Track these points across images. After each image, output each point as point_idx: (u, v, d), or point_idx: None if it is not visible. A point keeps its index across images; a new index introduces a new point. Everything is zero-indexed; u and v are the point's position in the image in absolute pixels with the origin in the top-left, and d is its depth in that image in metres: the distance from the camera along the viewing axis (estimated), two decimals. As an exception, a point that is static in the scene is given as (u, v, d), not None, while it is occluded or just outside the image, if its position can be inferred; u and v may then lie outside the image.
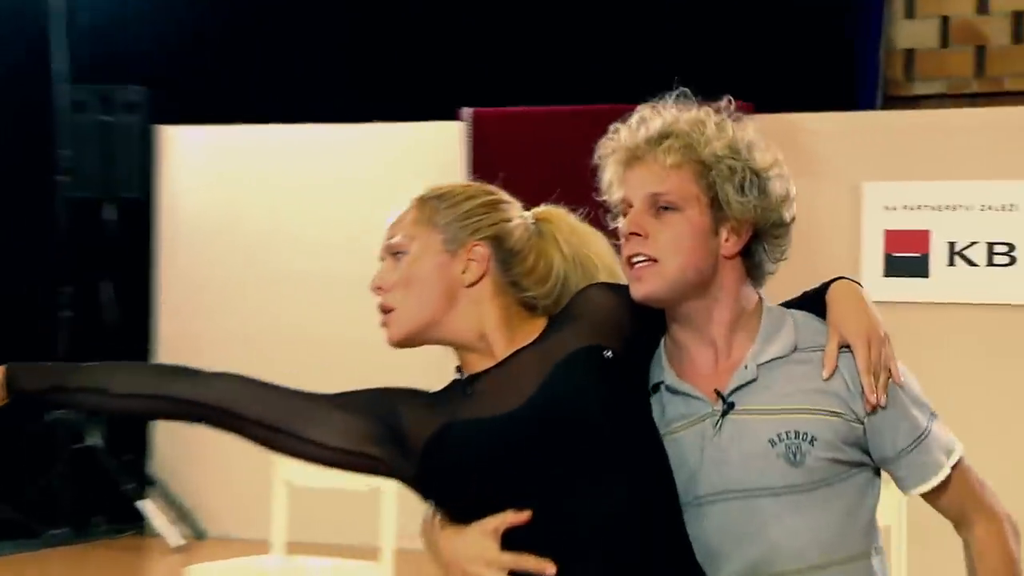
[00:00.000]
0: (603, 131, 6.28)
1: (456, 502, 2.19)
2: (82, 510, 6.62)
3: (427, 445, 2.19)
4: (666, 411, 2.25)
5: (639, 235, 2.19)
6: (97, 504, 6.58)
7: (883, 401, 2.15)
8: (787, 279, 6.47)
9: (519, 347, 2.23)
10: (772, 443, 2.17)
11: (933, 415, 2.24)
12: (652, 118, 2.24)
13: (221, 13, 6.85)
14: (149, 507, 6.43)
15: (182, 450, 6.63)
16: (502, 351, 2.23)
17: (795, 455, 2.16)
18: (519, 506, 2.10)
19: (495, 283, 2.25)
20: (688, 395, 2.23)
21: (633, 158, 2.23)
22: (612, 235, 2.29)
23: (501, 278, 2.25)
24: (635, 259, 2.19)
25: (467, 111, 6.46)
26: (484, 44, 7.08)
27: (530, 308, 2.28)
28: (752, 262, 2.26)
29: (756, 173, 2.21)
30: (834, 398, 2.18)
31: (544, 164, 6.33)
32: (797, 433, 2.17)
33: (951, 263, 5.90)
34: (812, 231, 5.95)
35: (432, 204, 2.27)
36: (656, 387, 2.26)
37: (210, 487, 6.61)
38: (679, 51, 6.65)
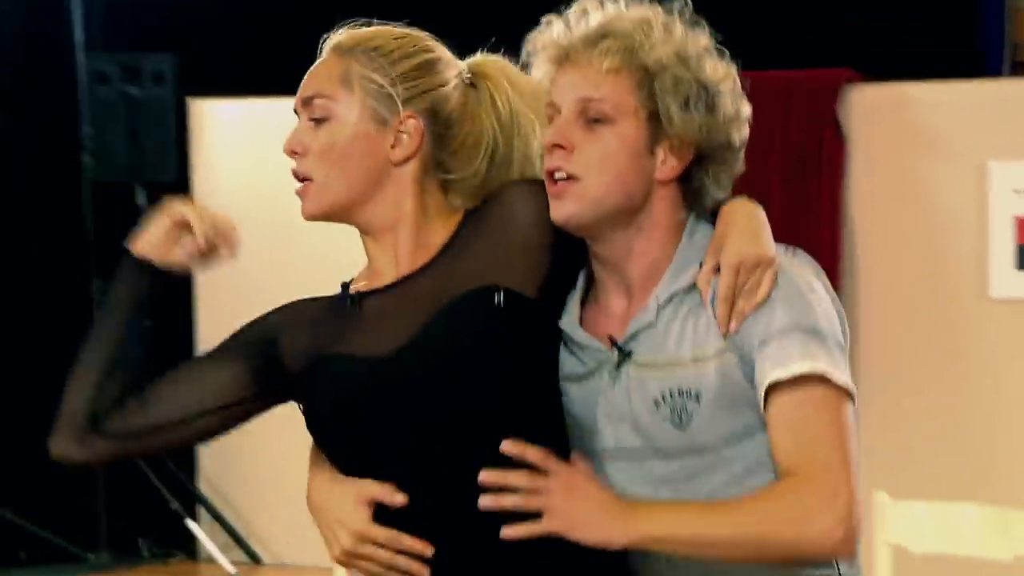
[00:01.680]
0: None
1: (324, 447, 2.09)
2: (126, 532, 6.39)
3: (299, 379, 2.08)
4: (565, 362, 2.11)
5: (563, 147, 2.01)
6: (142, 525, 6.35)
7: (734, 329, 1.96)
8: (906, 274, 5.73)
9: (422, 263, 2.08)
10: (656, 404, 2.01)
11: (820, 336, 1.94)
12: (592, 12, 2.05)
13: None
14: (200, 529, 6.11)
15: (233, 466, 6.36)
16: (405, 255, 2.08)
17: (680, 417, 1.99)
18: (382, 466, 2.00)
19: (422, 162, 2.07)
20: (582, 344, 2.08)
21: (565, 58, 2.04)
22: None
23: (429, 156, 2.07)
24: (556, 174, 2.01)
25: None
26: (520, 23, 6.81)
27: (451, 194, 2.11)
28: (691, 187, 2.06)
29: (705, 86, 2.02)
30: (715, 332, 2.00)
31: None
32: (681, 391, 2.00)
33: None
34: (931, 219, 5.64)
35: (359, 60, 2.06)
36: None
37: (264, 508, 6.31)
38: (779, 12, 6.33)
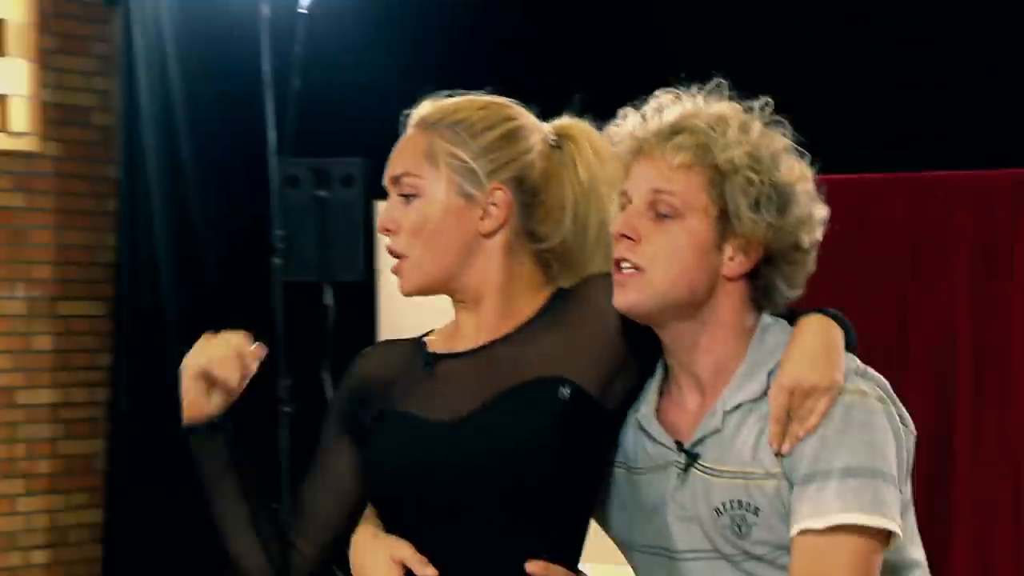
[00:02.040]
0: (878, 206, 5.72)
1: (374, 500, 2.14)
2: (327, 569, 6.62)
3: (365, 429, 2.13)
4: (636, 446, 2.15)
5: (630, 238, 2.05)
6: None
7: (786, 451, 1.98)
8: None
9: (504, 332, 2.11)
10: (718, 512, 2.04)
11: (864, 476, 1.96)
12: (669, 107, 2.09)
13: (435, 74, 6.54)
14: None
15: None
16: (489, 323, 2.10)
17: (739, 527, 2.03)
18: (421, 528, 2.04)
19: (512, 231, 2.10)
20: (655, 437, 2.11)
21: (639, 150, 2.08)
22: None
23: (519, 225, 2.10)
24: (622, 264, 2.06)
25: None
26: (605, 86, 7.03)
27: (543, 265, 2.15)
28: (759, 285, 2.08)
29: (777, 188, 2.04)
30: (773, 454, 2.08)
31: (825, 235, 6.27)
32: (742, 503, 2.02)
33: None
34: None
35: (442, 134, 2.10)
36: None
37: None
38: (967, 106, 6.16)
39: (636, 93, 2.22)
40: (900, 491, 2.02)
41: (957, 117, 6.27)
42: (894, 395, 2.11)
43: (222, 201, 6.89)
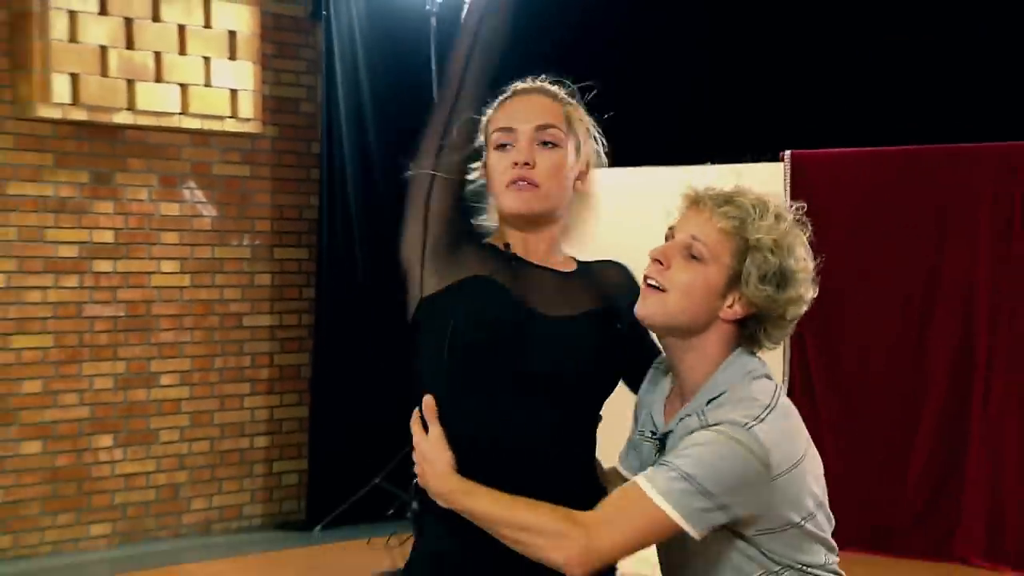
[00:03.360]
0: (914, 172, 5.66)
1: (458, 369, 2.17)
2: None
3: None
4: (646, 422, 2.29)
5: (661, 263, 2.20)
6: None
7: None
8: None
9: (567, 270, 2.28)
10: None
11: (680, 469, 2.08)
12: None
13: (557, 67, 6.93)
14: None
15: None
16: (549, 255, 2.30)
17: None
18: (492, 394, 2.15)
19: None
20: (654, 419, 2.27)
21: (696, 202, 2.23)
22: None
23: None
24: (649, 280, 2.21)
25: (787, 153, 6.29)
26: (807, 87, 6.86)
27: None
28: (744, 333, 2.21)
29: (784, 272, 2.18)
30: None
31: (858, 204, 6.21)
32: None
33: None
34: None
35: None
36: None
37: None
38: (989, 85, 6.39)
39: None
40: (720, 505, 2.06)
41: (981, 94, 6.33)
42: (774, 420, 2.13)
43: (398, 170, 7.04)
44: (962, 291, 6.03)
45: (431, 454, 2.18)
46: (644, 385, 2.35)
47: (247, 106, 6.74)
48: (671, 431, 2.20)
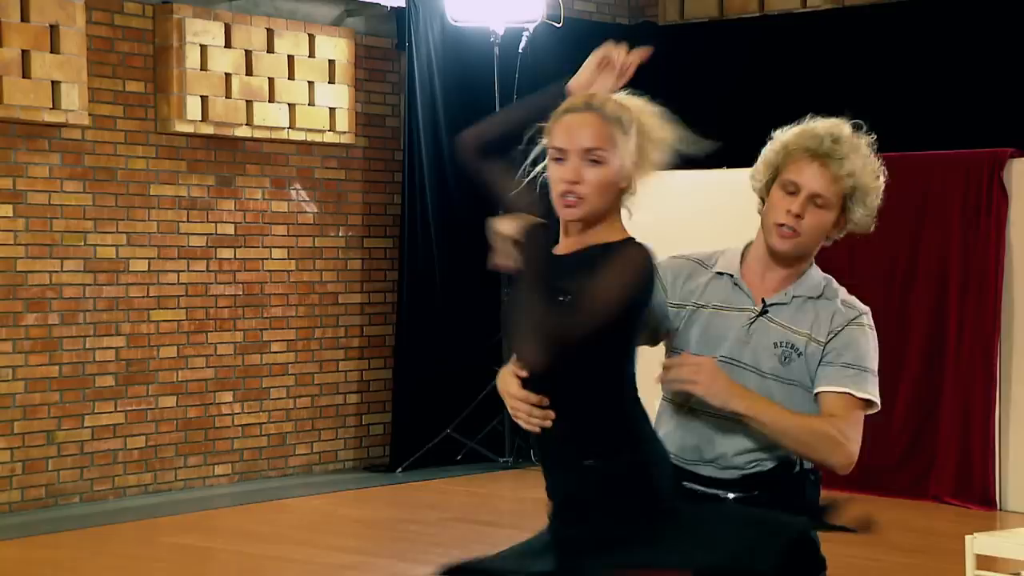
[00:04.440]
0: (900, 171, 5.32)
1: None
2: (522, 446, 6.92)
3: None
4: (709, 289, 2.44)
5: (799, 216, 2.40)
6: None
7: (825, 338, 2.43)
8: None
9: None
10: (775, 345, 2.42)
11: (871, 370, 2.40)
12: (830, 129, 2.43)
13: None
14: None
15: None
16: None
17: (785, 358, 2.44)
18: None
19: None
20: (741, 288, 2.44)
21: (815, 157, 2.39)
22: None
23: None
24: (786, 227, 2.42)
25: None
26: (814, 100, 7.32)
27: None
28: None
29: (873, 193, 2.46)
30: (820, 328, 2.42)
31: None
32: (792, 345, 2.43)
33: None
34: None
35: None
36: (719, 273, 2.47)
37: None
38: (957, 104, 6.77)
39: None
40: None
41: (953, 108, 6.74)
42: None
43: (467, 174, 7.58)
44: (937, 266, 6.24)
45: (693, 361, 2.30)
46: (672, 281, 2.48)
47: (343, 121, 7.00)
48: (775, 304, 2.41)
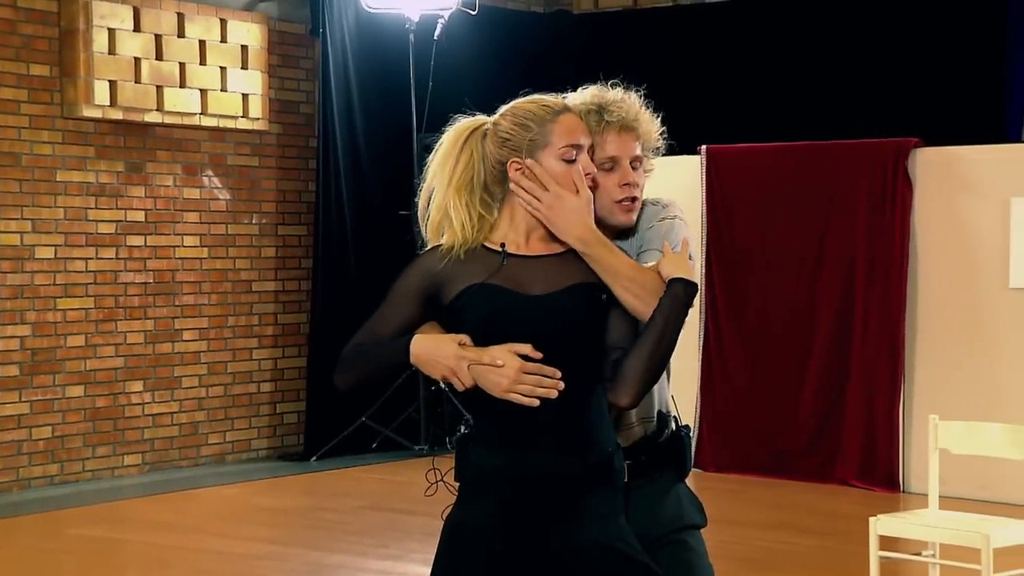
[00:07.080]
0: (807, 162, 5.73)
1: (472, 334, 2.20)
2: (438, 433, 6.94)
3: (456, 298, 2.22)
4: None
5: (637, 186, 2.44)
6: (449, 429, 6.78)
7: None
8: (950, 272, 5.48)
9: (543, 253, 2.25)
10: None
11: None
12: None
13: (511, 79, 7.20)
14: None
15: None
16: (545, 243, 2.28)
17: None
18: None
19: None
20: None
21: (622, 128, 2.42)
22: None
23: None
24: (633, 201, 2.43)
25: (703, 148, 6.66)
26: (721, 94, 7.23)
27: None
28: None
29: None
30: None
31: (761, 188, 6.68)
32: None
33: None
34: (970, 236, 6.11)
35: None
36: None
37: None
38: (864, 95, 6.95)
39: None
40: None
41: (859, 99, 6.90)
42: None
43: (383, 162, 7.29)
44: (844, 256, 6.37)
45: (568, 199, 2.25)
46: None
47: (256, 108, 6.97)
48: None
